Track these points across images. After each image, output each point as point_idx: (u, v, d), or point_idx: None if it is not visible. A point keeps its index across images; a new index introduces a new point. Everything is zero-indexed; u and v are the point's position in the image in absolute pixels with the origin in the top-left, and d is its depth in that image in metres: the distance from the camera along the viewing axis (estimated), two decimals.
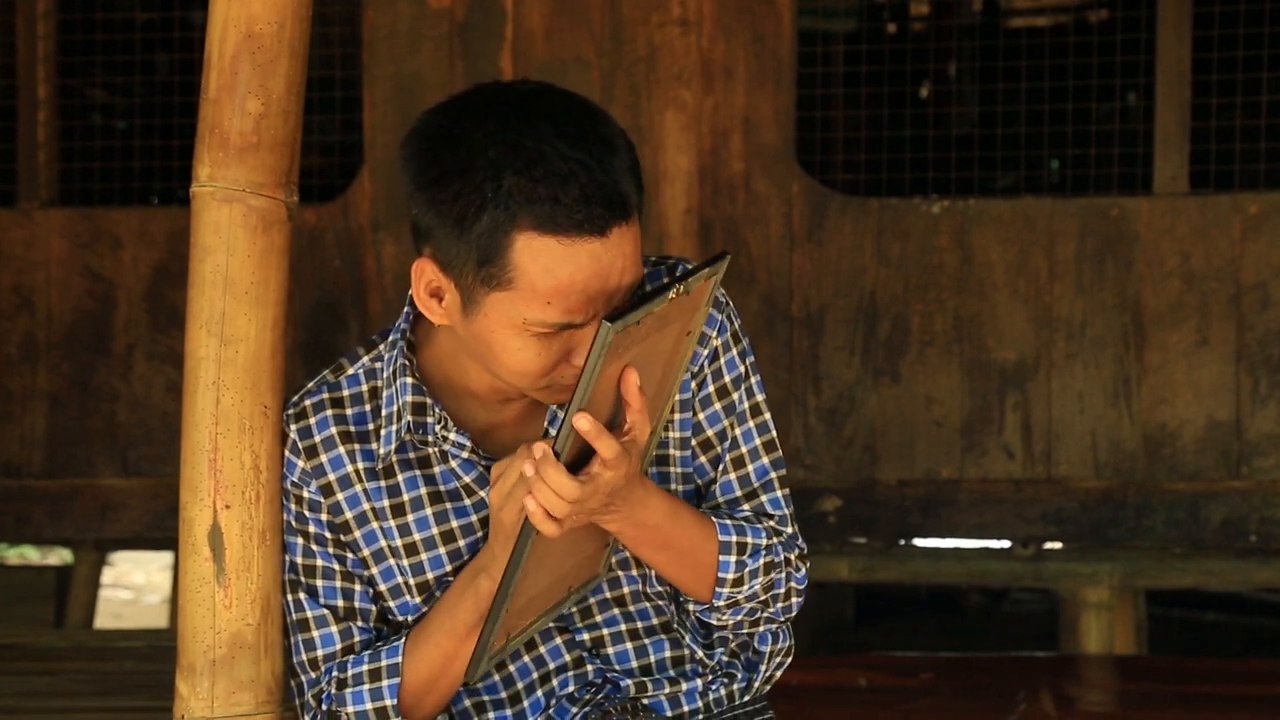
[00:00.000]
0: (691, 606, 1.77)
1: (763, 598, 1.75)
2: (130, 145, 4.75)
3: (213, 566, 1.72)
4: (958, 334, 4.28)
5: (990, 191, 4.84)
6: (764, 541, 1.74)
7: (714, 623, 1.77)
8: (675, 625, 1.80)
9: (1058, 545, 4.35)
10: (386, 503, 1.75)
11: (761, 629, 1.80)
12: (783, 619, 1.80)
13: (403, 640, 1.74)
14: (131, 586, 8.45)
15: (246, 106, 1.71)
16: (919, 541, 4.47)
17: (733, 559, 1.72)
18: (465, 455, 1.73)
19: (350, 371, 1.79)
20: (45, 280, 4.46)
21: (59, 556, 7.58)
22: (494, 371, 1.66)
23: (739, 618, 1.76)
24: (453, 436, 1.73)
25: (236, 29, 1.71)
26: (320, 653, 1.77)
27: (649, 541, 1.68)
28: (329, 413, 1.76)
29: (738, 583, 1.72)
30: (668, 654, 1.80)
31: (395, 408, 1.74)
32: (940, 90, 5.91)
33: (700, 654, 1.80)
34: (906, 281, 4.29)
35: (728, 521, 1.73)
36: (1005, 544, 4.38)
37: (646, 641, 1.80)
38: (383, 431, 1.75)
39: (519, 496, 1.57)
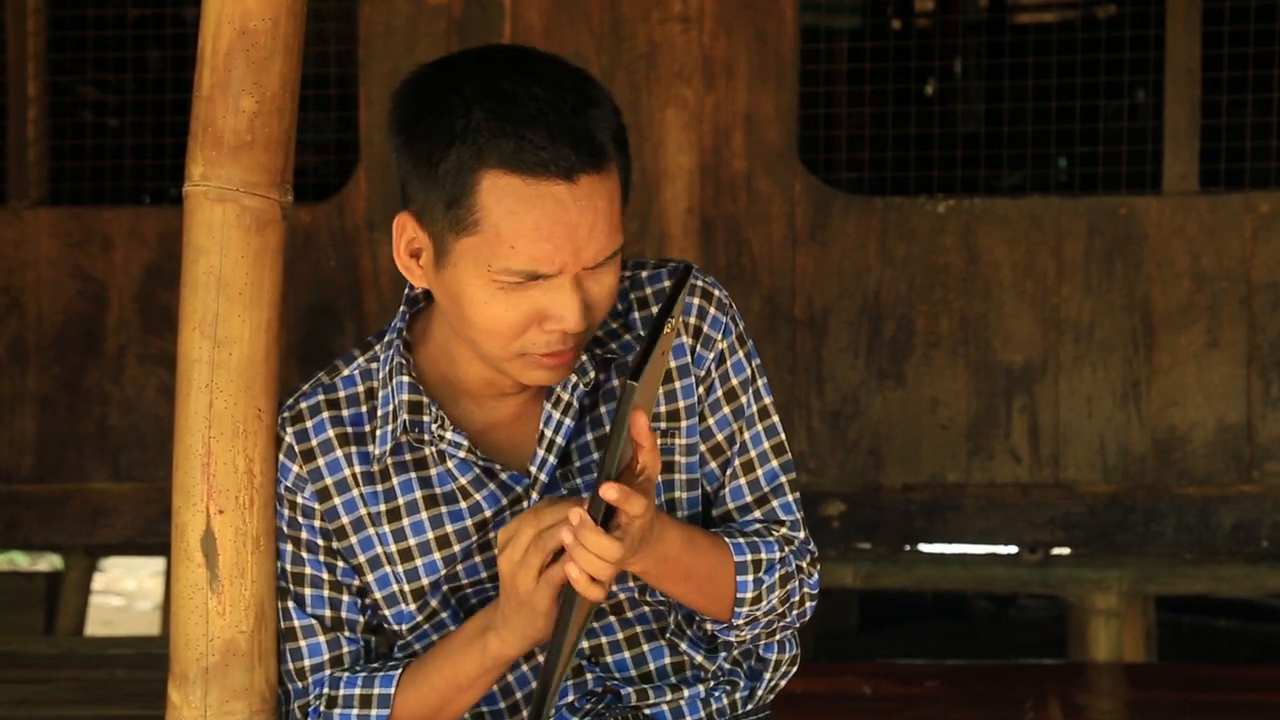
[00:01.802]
0: (709, 626, 1.77)
1: (780, 610, 1.76)
2: (122, 143, 4.75)
3: (205, 573, 1.72)
4: (963, 335, 4.27)
5: (996, 191, 4.84)
6: (777, 555, 1.74)
7: (733, 639, 1.77)
8: (673, 633, 1.79)
9: (1066, 550, 4.35)
10: (382, 507, 1.75)
11: (778, 637, 1.82)
12: (797, 625, 1.81)
13: (399, 672, 1.74)
14: (123, 593, 8.45)
15: (240, 104, 1.71)
16: (924, 547, 4.47)
17: (749, 578, 1.72)
18: (462, 455, 1.73)
19: (346, 372, 1.78)
20: (35, 281, 4.46)
21: (49, 562, 7.58)
22: (468, 337, 1.66)
23: (756, 631, 1.77)
24: (450, 435, 1.72)
25: (230, 25, 1.71)
26: (307, 663, 1.77)
27: (669, 575, 1.68)
28: (325, 415, 1.76)
29: (756, 600, 1.73)
30: (667, 660, 1.80)
31: (391, 407, 1.74)
32: (945, 87, 5.91)
33: (700, 659, 1.80)
34: (911, 282, 4.28)
35: (740, 540, 1.73)
36: (1012, 549, 4.38)
37: (645, 648, 1.79)
38: (378, 432, 1.75)
39: (532, 563, 1.59)
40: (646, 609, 1.78)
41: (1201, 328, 4.21)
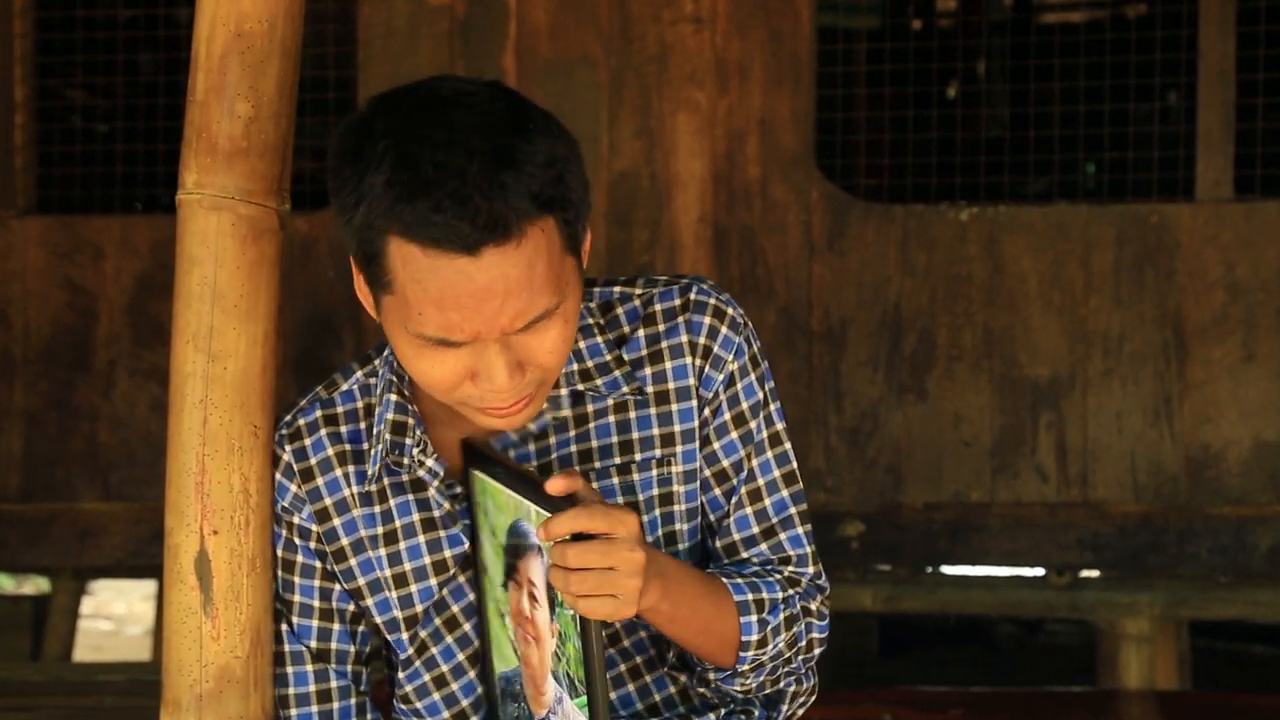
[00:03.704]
0: (712, 675, 1.74)
1: (786, 655, 1.74)
2: (112, 149, 4.76)
3: (199, 596, 1.72)
4: (987, 349, 4.27)
5: (1022, 198, 4.84)
6: (780, 595, 1.71)
7: (737, 689, 1.74)
8: (673, 666, 1.78)
9: (1095, 573, 4.34)
10: (380, 530, 1.75)
11: (783, 685, 1.79)
12: (802, 671, 1.79)
13: None
14: (112, 617, 8.46)
15: (236, 109, 1.71)
16: (947, 569, 4.46)
17: (754, 618, 1.69)
18: (436, 485, 1.73)
19: (344, 387, 1.78)
20: (22, 292, 4.47)
21: (35, 585, 7.58)
22: None
23: (761, 678, 1.75)
24: (429, 462, 1.72)
25: (225, 27, 1.71)
26: (291, 691, 1.77)
27: (679, 610, 1.64)
28: (324, 433, 1.76)
29: (761, 643, 1.70)
30: (673, 689, 1.79)
31: (382, 426, 1.74)
32: (969, 90, 5.91)
33: (705, 692, 1.79)
34: (933, 293, 4.28)
35: (739, 580, 1.70)
36: (1039, 572, 4.37)
37: (648, 678, 1.78)
38: (371, 451, 1.75)
39: None
40: (642, 634, 1.77)
41: (1236, 341, 4.20)
